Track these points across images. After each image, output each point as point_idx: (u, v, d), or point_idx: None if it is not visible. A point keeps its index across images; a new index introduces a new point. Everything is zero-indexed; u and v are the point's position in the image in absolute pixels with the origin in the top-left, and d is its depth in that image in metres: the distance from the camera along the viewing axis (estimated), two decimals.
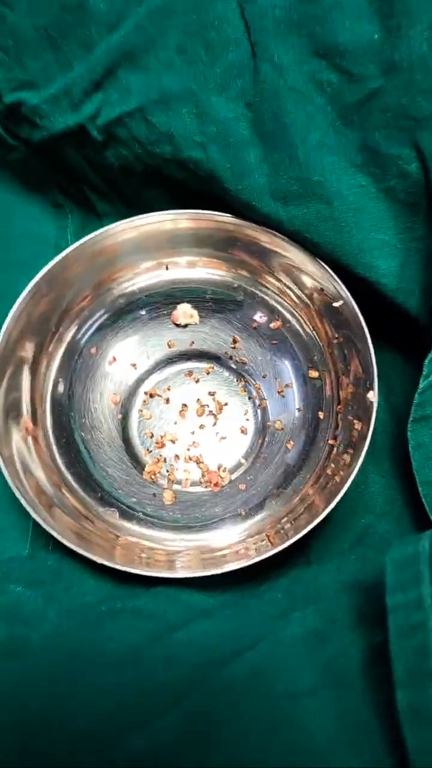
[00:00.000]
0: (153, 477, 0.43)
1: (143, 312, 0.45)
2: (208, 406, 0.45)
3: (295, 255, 0.40)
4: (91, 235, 0.40)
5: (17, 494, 0.35)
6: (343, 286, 0.38)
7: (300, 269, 0.41)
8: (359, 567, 0.36)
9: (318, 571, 0.35)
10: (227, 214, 0.41)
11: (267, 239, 0.41)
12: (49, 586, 0.35)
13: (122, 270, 0.43)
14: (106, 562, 0.34)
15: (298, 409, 0.43)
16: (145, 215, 0.41)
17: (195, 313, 0.46)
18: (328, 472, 0.38)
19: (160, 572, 0.34)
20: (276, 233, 0.40)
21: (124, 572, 0.35)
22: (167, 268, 0.44)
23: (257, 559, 0.34)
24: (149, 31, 0.36)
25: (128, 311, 0.45)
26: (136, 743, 0.24)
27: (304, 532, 0.34)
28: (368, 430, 0.35)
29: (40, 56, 0.40)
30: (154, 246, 0.43)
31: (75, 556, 0.37)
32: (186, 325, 0.46)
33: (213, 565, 0.36)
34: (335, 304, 0.39)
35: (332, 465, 0.38)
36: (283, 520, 0.39)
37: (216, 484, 0.43)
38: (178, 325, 0.46)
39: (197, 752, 0.24)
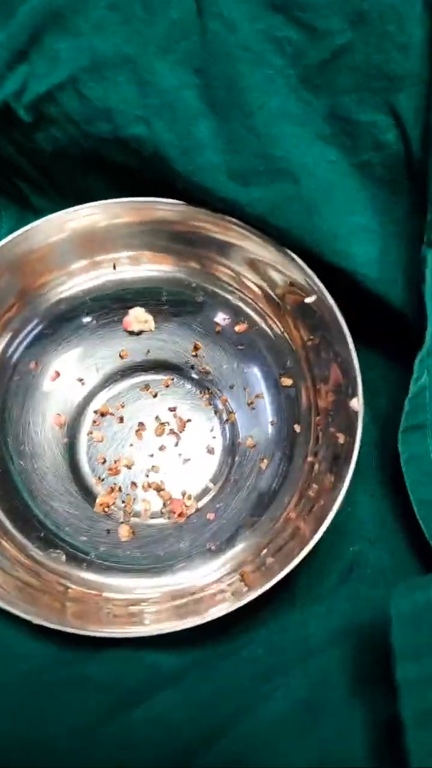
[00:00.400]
0: (106, 509, 0.37)
1: (89, 318, 0.39)
2: (168, 423, 0.39)
3: (257, 246, 0.35)
4: (7, 239, 0.35)
5: None
6: (316, 279, 0.33)
7: (265, 262, 0.36)
8: (351, 607, 0.30)
9: (305, 615, 0.30)
10: (171, 201, 0.35)
11: (222, 229, 0.36)
12: None
13: (51, 273, 0.38)
14: (49, 624, 0.28)
15: (272, 423, 0.38)
16: (72, 209, 0.36)
17: (150, 318, 0.40)
18: (311, 494, 0.33)
19: (117, 631, 0.28)
20: (233, 221, 0.35)
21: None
22: (115, 267, 0.39)
23: (233, 608, 0.28)
24: None
25: (70, 318, 0.39)
26: None
27: (289, 568, 0.29)
28: (354, 443, 0.30)
29: None
30: (86, 243, 0.37)
31: (12, 616, 0.31)
32: (140, 332, 0.40)
33: (179, 615, 0.30)
34: (307, 300, 0.34)
35: (315, 486, 0.33)
36: (261, 554, 0.33)
37: (180, 515, 0.37)
38: (130, 333, 0.40)
39: None
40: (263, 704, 0.22)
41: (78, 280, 0.38)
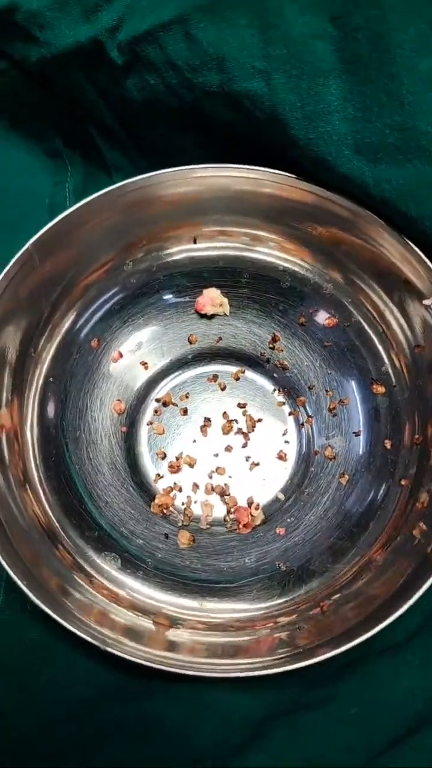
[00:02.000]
0: (165, 511, 0.33)
1: (165, 295, 0.35)
2: (236, 421, 0.35)
3: (374, 233, 0.31)
4: (123, 183, 0.31)
5: None
6: None
7: (378, 251, 0.31)
8: None
9: (395, 664, 0.26)
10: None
11: (336, 209, 0.31)
12: (26, 672, 0.25)
13: (163, 235, 0.34)
14: (110, 649, 0.24)
15: (356, 433, 0.34)
16: (207, 166, 0.31)
17: (225, 301, 0.36)
18: (415, 533, 0.29)
19: (187, 667, 0.24)
20: (351, 203, 0.30)
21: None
22: (195, 242, 0.34)
23: (306, 663, 0.24)
24: None
25: (142, 294, 0.35)
26: None
27: (378, 629, 0.25)
28: None
29: None
30: (216, 208, 0.33)
31: (64, 630, 0.27)
32: (213, 316, 0.36)
33: (237, 652, 0.26)
34: (425, 302, 0.30)
35: (421, 525, 0.29)
36: (337, 596, 0.29)
37: (246, 525, 0.33)
38: (203, 316, 0.36)
39: None
40: None
41: (163, 252, 0.34)
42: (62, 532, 0.31)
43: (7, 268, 0.30)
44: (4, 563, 0.26)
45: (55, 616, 0.25)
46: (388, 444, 0.32)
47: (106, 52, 0.31)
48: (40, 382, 0.33)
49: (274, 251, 0.35)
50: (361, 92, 0.27)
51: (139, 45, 0.30)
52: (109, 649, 0.24)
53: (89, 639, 0.24)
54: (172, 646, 0.27)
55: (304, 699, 0.25)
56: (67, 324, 0.33)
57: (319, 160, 0.29)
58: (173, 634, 0.28)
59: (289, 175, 0.31)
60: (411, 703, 0.24)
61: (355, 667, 0.26)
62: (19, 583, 0.25)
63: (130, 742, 0.22)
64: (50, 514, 0.31)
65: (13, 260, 0.30)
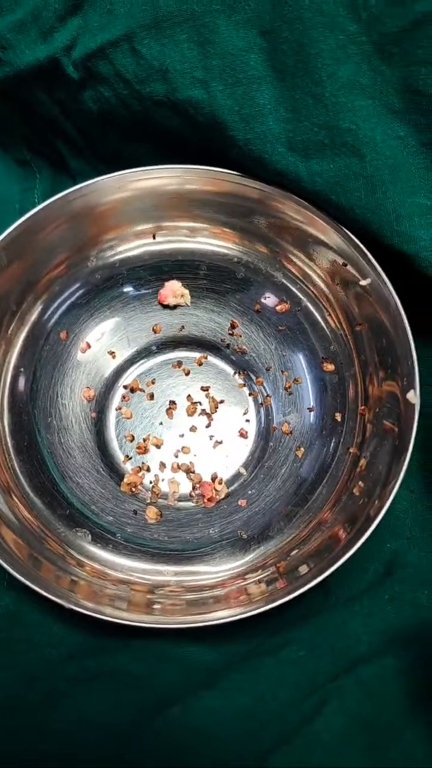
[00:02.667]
0: (133, 489, 0.36)
1: (125, 290, 0.38)
2: (200, 403, 0.38)
3: (312, 223, 0.33)
4: (70, 190, 0.33)
5: None
6: (374, 260, 0.31)
7: (317, 239, 0.34)
8: (396, 612, 0.29)
9: (344, 614, 0.28)
10: (250, 177, 0.34)
11: (277, 203, 0.34)
12: (4, 634, 0.27)
13: (107, 234, 0.36)
14: (74, 607, 0.27)
15: (309, 409, 0.36)
16: (143, 169, 0.34)
17: (186, 292, 0.38)
18: (355, 492, 0.31)
19: (141, 617, 0.27)
20: (289, 195, 0.33)
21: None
22: (154, 237, 0.37)
23: (268, 607, 0.27)
24: None
25: (107, 288, 0.37)
26: None
27: (328, 573, 0.28)
28: (409, 439, 0.29)
29: None
30: (154, 207, 0.36)
31: (36, 597, 0.29)
32: (175, 307, 0.39)
33: (204, 606, 0.29)
34: (362, 282, 0.32)
35: (360, 483, 0.31)
36: (293, 552, 0.32)
37: (210, 499, 0.36)
38: (165, 307, 0.39)
39: None
40: (317, 716, 0.21)
41: (124, 248, 0.37)
42: (36, 512, 0.33)
43: None
44: None
45: (24, 580, 0.27)
46: (338, 416, 0.35)
47: (63, 68, 0.33)
48: (10, 372, 0.35)
49: (227, 244, 0.37)
50: (291, 96, 0.30)
51: (92, 61, 0.33)
52: (72, 607, 0.27)
53: (53, 598, 0.27)
54: (150, 609, 0.30)
55: (259, 648, 0.27)
56: (33, 317, 0.35)
57: (256, 158, 0.32)
58: (152, 598, 0.31)
59: (231, 172, 0.34)
60: (355, 647, 0.26)
61: (308, 619, 0.29)
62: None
63: (100, 692, 0.24)
64: (26, 494, 0.33)
65: None
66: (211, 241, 0.37)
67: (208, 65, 0.30)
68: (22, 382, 0.35)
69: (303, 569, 0.30)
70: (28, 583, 0.27)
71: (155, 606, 0.30)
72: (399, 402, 0.30)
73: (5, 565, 0.27)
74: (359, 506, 0.30)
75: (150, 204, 0.35)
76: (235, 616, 0.27)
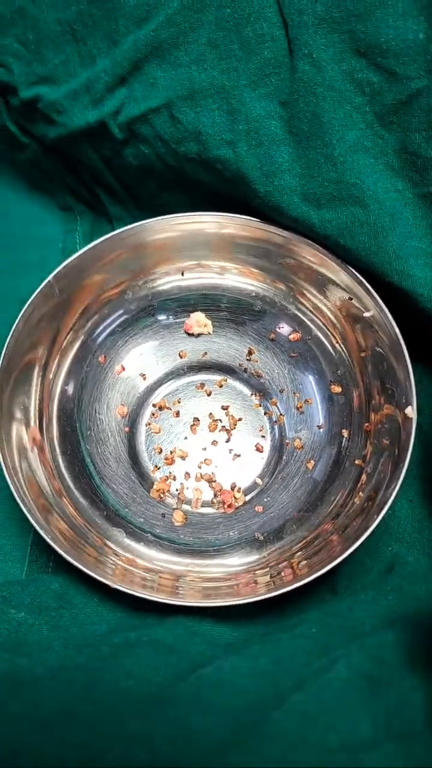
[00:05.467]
0: (162, 495, 0.40)
1: (159, 318, 0.43)
2: (220, 420, 0.42)
3: (323, 263, 0.38)
4: (125, 228, 0.39)
5: (21, 505, 0.32)
6: (376, 295, 0.36)
7: (327, 277, 0.39)
8: (397, 600, 0.33)
9: (351, 602, 0.32)
10: (277, 226, 0.39)
11: (293, 246, 0.39)
12: (54, 612, 0.31)
13: (155, 268, 0.41)
14: (118, 586, 0.31)
15: (319, 427, 0.41)
16: (185, 214, 0.39)
17: (209, 322, 0.43)
18: (356, 500, 0.35)
19: (175, 599, 0.31)
20: (303, 239, 0.38)
21: (134, 599, 0.32)
22: (183, 274, 0.42)
23: (281, 591, 0.31)
24: (180, 24, 0.35)
25: (141, 317, 0.42)
26: None
27: (332, 565, 0.32)
28: (406, 452, 0.33)
29: (61, 50, 0.38)
30: (193, 247, 0.41)
31: (80, 580, 0.33)
32: (199, 335, 0.44)
33: (226, 594, 0.32)
34: (366, 314, 0.37)
35: (360, 493, 0.35)
36: (303, 550, 0.36)
37: (230, 506, 0.40)
38: (190, 335, 0.43)
39: None
40: (328, 671, 0.25)
41: (155, 283, 0.42)
42: (80, 511, 0.37)
43: (32, 297, 0.37)
44: (43, 533, 0.32)
45: (75, 562, 0.31)
46: (345, 433, 0.39)
47: (109, 129, 0.39)
48: (59, 388, 0.40)
49: (246, 280, 0.42)
50: (305, 156, 0.35)
51: (135, 124, 0.38)
52: (116, 586, 0.31)
53: (99, 578, 0.31)
54: (176, 594, 0.33)
55: (274, 628, 0.31)
56: (79, 341, 0.40)
57: (275, 207, 0.37)
58: (177, 585, 0.34)
59: (262, 221, 0.39)
60: (360, 627, 0.30)
61: (320, 606, 0.32)
62: (48, 539, 0.32)
63: (141, 655, 0.27)
64: (72, 494, 0.37)
65: (37, 291, 0.37)
66: (236, 278, 0.42)
67: (235, 129, 0.36)
68: (69, 395, 0.40)
69: (310, 564, 0.33)
70: (78, 564, 0.31)
71: (180, 592, 0.34)
72: (398, 420, 0.35)
73: (59, 551, 0.31)
74: (361, 512, 0.34)
75: (191, 244, 0.40)
76: (257, 597, 0.31)
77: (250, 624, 0.32)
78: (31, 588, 0.32)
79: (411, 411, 0.34)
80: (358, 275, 0.37)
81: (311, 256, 0.39)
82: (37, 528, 0.32)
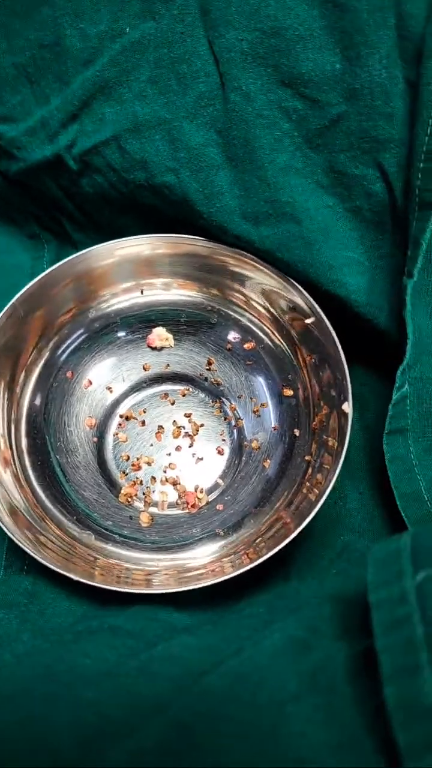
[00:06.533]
0: (129, 500, 0.42)
1: (119, 335, 0.45)
2: (184, 427, 0.45)
3: (266, 275, 0.41)
4: (72, 257, 0.41)
5: None
6: (315, 304, 0.39)
7: (272, 289, 0.42)
8: (341, 581, 0.35)
9: (299, 585, 0.35)
10: (201, 239, 0.42)
11: (237, 261, 0.42)
12: (23, 608, 0.34)
13: (102, 291, 0.44)
14: (83, 580, 0.33)
15: (274, 428, 0.43)
16: (123, 239, 0.42)
17: (170, 336, 0.46)
18: (304, 490, 0.38)
19: (138, 589, 0.33)
20: (247, 255, 0.41)
21: (101, 595, 0.34)
22: (142, 292, 0.45)
23: (235, 573, 0.34)
24: (123, 65, 0.38)
25: (104, 334, 0.45)
26: (117, 756, 0.23)
27: (279, 547, 0.34)
28: (343, 444, 0.36)
29: (18, 91, 0.41)
30: (133, 269, 0.44)
31: (50, 579, 0.36)
32: (161, 348, 0.46)
33: (190, 583, 0.35)
34: (307, 321, 0.40)
35: (307, 483, 0.38)
36: (260, 538, 0.38)
37: (193, 506, 0.42)
38: (153, 348, 0.46)
39: (182, 762, 0.23)
40: (262, 640, 0.27)
41: (116, 301, 0.45)
42: (51, 517, 0.40)
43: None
44: (10, 534, 0.35)
45: (48, 564, 0.34)
46: (296, 432, 0.42)
47: (65, 162, 0.42)
48: (26, 404, 0.42)
49: (202, 295, 0.45)
50: (242, 179, 0.38)
51: (88, 156, 0.41)
52: (79, 578, 0.33)
53: (67, 574, 0.33)
54: (149, 586, 0.36)
55: (225, 612, 0.34)
56: (45, 358, 0.43)
57: (218, 226, 0.40)
58: (149, 580, 0.37)
59: (188, 236, 0.42)
60: (306, 606, 0.33)
61: (270, 589, 0.35)
62: (22, 545, 0.34)
63: (100, 639, 0.30)
64: (42, 502, 0.40)
65: (2, 312, 0.40)
66: (183, 293, 0.45)
67: (177, 157, 0.39)
68: (36, 409, 0.42)
69: (263, 551, 0.36)
70: (50, 565, 0.34)
71: (153, 583, 0.36)
72: (337, 416, 0.38)
73: (31, 553, 0.34)
74: (307, 502, 0.37)
75: (131, 266, 0.44)
76: (215, 579, 0.34)
77: (207, 612, 0.35)
78: (3, 587, 0.35)
79: (347, 407, 0.37)
80: (297, 285, 0.40)
81: (253, 270, 0.42)
82: (12, 536, 0.34)
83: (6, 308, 0.40)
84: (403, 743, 0.21)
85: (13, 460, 0.40)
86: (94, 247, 0.42)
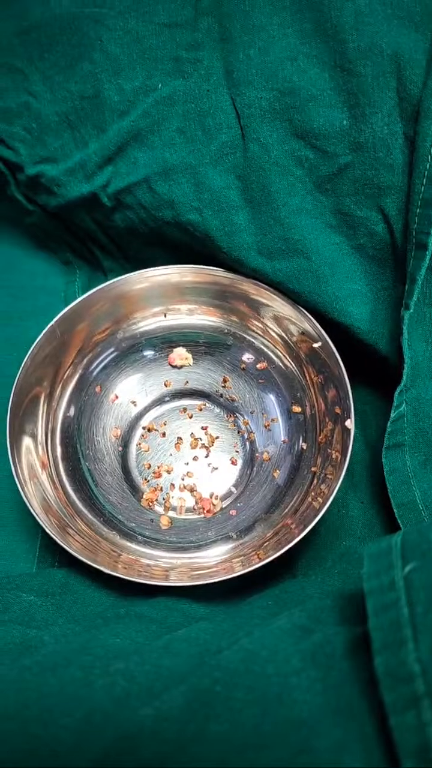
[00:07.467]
0: (150, 504, 0.47)
1: (145, 354, 0.50)
2: (201, 439, 0.49)
3: (279, 304, 0.46)
4: (110, 282, 0.46)
5: (34, 514, 0.39)
6: (321, 329, 0.43)
7: (284, 316, 0.46)
8: (342, 580, 0.39)
9: (304, 582, 0.39)
10: (222, 270, 0.46)
11: (255, 290, 0.46)
12: (58, 597, 0.38)
13: (134, 313, 0.49)
14: (110, 572, 0.37)
15: (283, 441, 0.47)
16: (155, 268, 0.47)
17: (189, 355, 0.51)
18: (309, 499, 0.42)
19: (161, 581, 0.38)
20: (263, 285, 0.46)
21: (126, 586, 0.39)
22: (165, 316, 0.50)
23: (245, 571, 0.38)
24: (154, 116, 0.43)
25: (131, 353, 0.50)
26: (145, 713, 0.27)
27: (285, 549, 0.38)
28: (346, 457, 0.40)
29: (59, 136, 0.46)
30: (162, 294, 0.48)
31: (80, 572, 0.40)
32: (181, 367, 0.51)
33: (208, 577, 0.39)
34: (315, 345, 0.44)
35: (312, 492, 0.42)
36: (268, 542, 0.42)
37: (209, 511, 0.46)
38: (174, 366, 0.51)
39: (200, 720, 0.27)
40: (270, 624, 0.31)
41: (143, 324, 0.49)
42: (82, 517, 0.44)
43: (38, 339, 0.44)
44: (45, 527, 0.39)
45: (79, 556, 0.38)
46: (304, 445, 0.46)
47: (100, 199, 0.46)
48: (60, 417, 0.47)
49: (221, 320, 0.50)
50: (258, 218, 0.43)
51: (121, 195, 0.46)
52: (107, 570, 0.37)
53: (95, 566, 0.37)
54: (167, 579, 0.40)
55: (240, 603, 0.38)
56: (76, 377, 0.48)
57: (236, 260, 0.44)
58: (167, 575, 0.41)
59: (213, 267, 0.46)
60: (309, 601, 0.37)
61: (276, 585, 0.39)
62: (57, 538, 0.39)
63: (127, 624, 0.34)
64: (73, 503, 0.44)
65: (42, 333, 0.44)
66: (204, 317, 0.49)
67: (201, 198, 0.43)
68: (69, 422, 0.47)
69: (271, 553, 0.40)
70: (80, 557, 0.38)
71: (171, 577, 0.40)
72: (341, 432, 0.42)
73: (62, 544, 0.38)
74: (312, 510, 0.41)
75: (160, 292, 0.48)
76: (229, 575, 0.38)
77: (221, 604, 0.39)
78: (39, 578, 0.39)
79: (350, 423, 0.41)
80: (307, 313, 0.44)
81: (268, 298, 0.46)
82: (48, 530, 0.39)
83: (45, 330, 0.44)
84: (389, 701, 0.25)
85: (50, 464, 0.45)
86: (129, 274, 0.46)
